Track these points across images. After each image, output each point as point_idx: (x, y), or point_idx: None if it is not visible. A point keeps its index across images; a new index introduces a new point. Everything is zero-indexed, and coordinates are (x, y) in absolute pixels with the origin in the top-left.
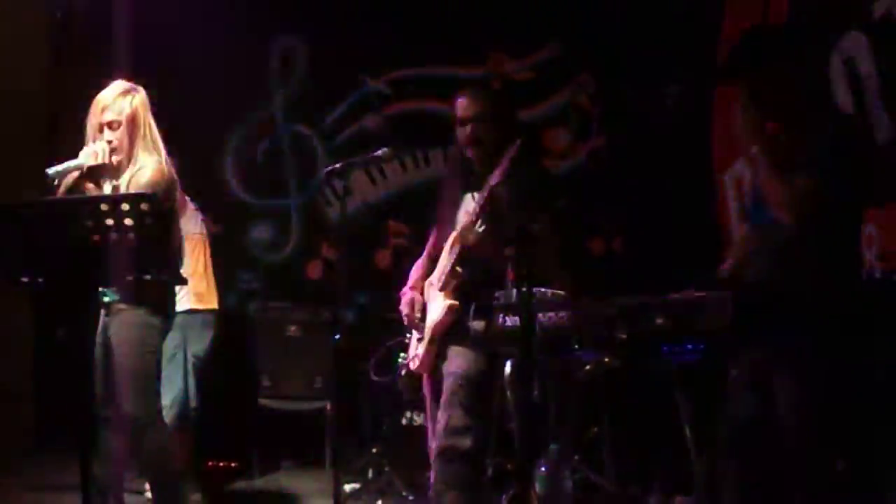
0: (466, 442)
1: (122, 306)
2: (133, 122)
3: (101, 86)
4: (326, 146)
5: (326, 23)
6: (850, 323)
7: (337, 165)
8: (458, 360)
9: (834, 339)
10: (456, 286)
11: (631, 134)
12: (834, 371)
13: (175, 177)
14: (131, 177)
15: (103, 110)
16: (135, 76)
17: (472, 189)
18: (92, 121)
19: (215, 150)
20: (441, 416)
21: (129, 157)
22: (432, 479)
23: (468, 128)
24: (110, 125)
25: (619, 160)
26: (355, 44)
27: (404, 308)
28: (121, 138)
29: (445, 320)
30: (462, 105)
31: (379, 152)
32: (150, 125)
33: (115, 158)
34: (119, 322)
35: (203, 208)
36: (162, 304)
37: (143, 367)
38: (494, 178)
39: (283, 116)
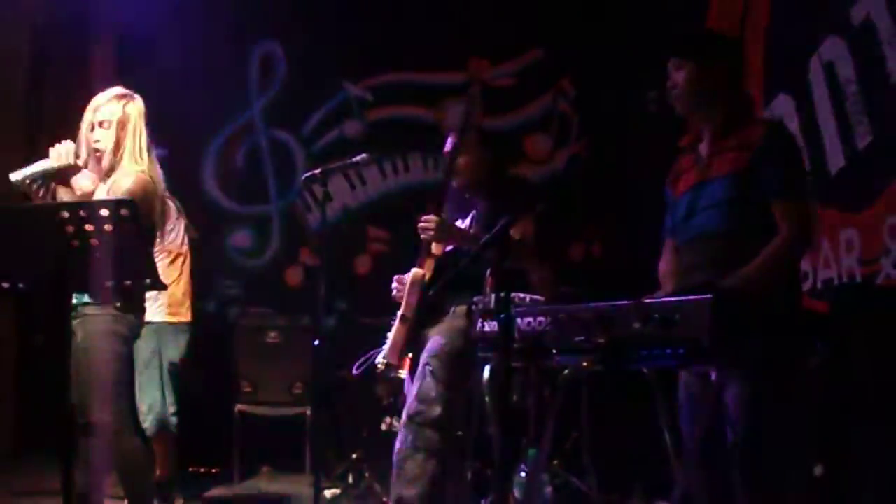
0: (436, 409)
1: (88, 311)
2: (123, 126)
3: (81, 92)
4: (306, 152)
5: (306, 28)
6: (792, 326)
7: (316, 171)
8: (434, 339)
9: (775, 343)
10: (429, 263)
11: (611, 139)
12: (778, 377)
13: (157, 189)
14: (112, 183)
15: (96, 110)
16: (115, 83)
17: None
18: (85, 118)
19: (195, 156)
20: (413, 385)
21: (114, 163)
22: (398, 446)
23: (451, 162)
24: (101, 124)
25: (600, 165)
26: (335, 49)
27: (395, 287)
28: (108, 139)
29: (412, 289)
30: (449, 142)
31: (358, 158)
32: (140, 134)
33: (105, 161)
34: (84, 327)
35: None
36: (129, 310)
37: (107, 374)
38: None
39: (262, 122)
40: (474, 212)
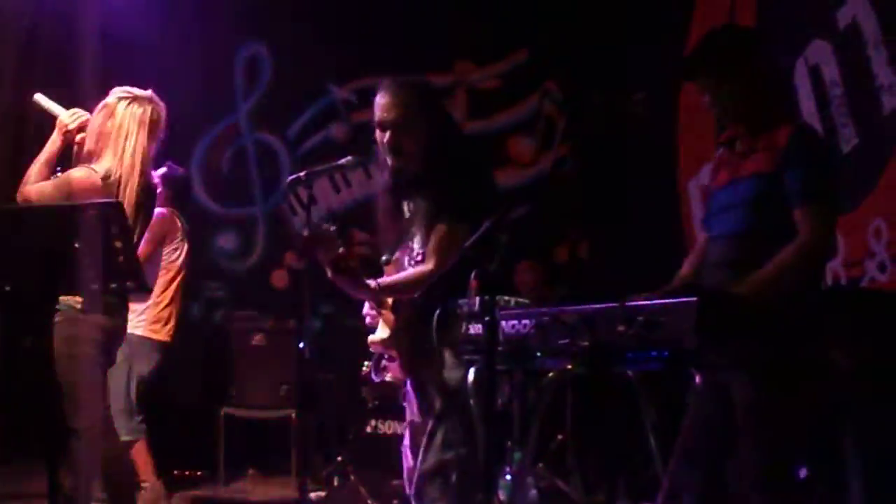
0: (461, 451)
1: (59, 317)
2: (108, 118)
3: (67, 96)
4: (291, 154)
5: (292, 31)
6: (806, 330)
7: (301, 174)
8: (434, 374)
9: (788, 346)
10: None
11: (596, 141)
12: (787, 378)
13: (110, 193)
14: (66, 174)
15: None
16: (101, 86)
17: (405, 196)
18: None
19: (180, 159)
20: (433, 430)
21: (91, 155)
22: (417, 490)
23: (388, 135)
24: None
25: (585, 167)
26: (320, 52)
27: (368, 314)
28: (92, 127)
29: (388, 345)
30: (380, 105)
31: (343, 161)
32: (128, 137)
33: (85, 142)
34: (56, 331)
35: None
36: (97, 311)
37: (81, 378)
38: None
39: (248, 125)
40: (412, 205)
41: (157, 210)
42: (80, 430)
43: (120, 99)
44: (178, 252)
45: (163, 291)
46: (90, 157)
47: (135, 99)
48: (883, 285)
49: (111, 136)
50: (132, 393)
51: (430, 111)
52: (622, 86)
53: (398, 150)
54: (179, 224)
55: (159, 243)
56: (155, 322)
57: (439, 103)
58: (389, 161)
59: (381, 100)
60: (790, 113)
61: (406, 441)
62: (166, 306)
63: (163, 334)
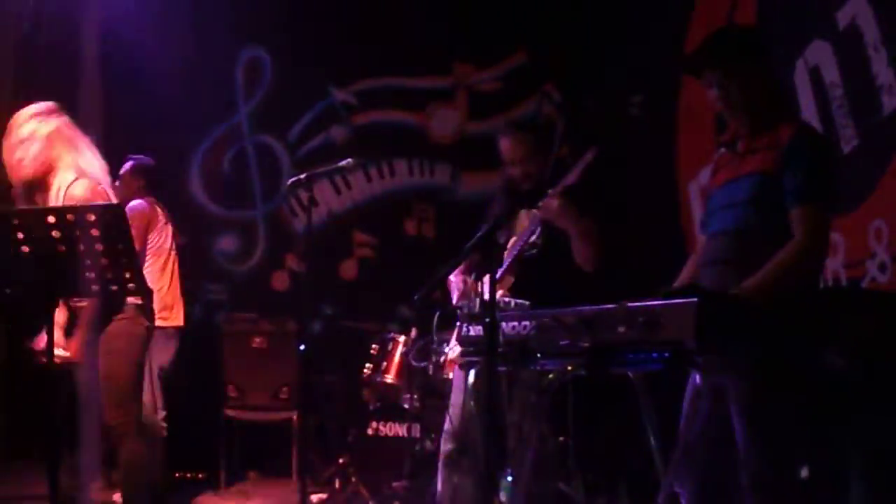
0: (560, 440)
1: (122, 315)
2: (41, 141)
3: (68, 99)
4: (292, 157)
5: (292, 34)
6: (801, 329)
7: (301, 176)
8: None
9: (787, 347)
10: (511, 283)
11: (596, 143)
12: (782, 378)
13: (110, 196)
14: (60, 190)
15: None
16: (102, 89)
17: (524, 206)
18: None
19: (181, 161)
20: (528, 428)
21: (45, 174)
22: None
23: (518, 167)
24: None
25: (585, 169)
26: (321, 54)
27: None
28: (28, 155)
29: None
30: (508, 147)
31: (343, 163)
32: (66, 146)
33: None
34: (117, 328)
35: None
36: (144, 313)
37: (127, 377)
38: (571, 179)
39: (248, 127)
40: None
41: (136, 202)
42: (115, 427)
43: (36, 117)
44: (163, 235)
45: (159, 278)
46: (48, 174)
47: (50, 112)
48: (883, 286)
49: (51, 152)
50: (156, 388)
51: (545, 147)
52: (621, 87)
53: (528, 176)
54: (159, 210)
55: (144, 235)
56: (163, 309)
57: (549, 140)
58: (525, 186)
59: (507, 142)
60: (792, 113)
61: (446, 426)
62: (168, 290)
63: (173, 319)
